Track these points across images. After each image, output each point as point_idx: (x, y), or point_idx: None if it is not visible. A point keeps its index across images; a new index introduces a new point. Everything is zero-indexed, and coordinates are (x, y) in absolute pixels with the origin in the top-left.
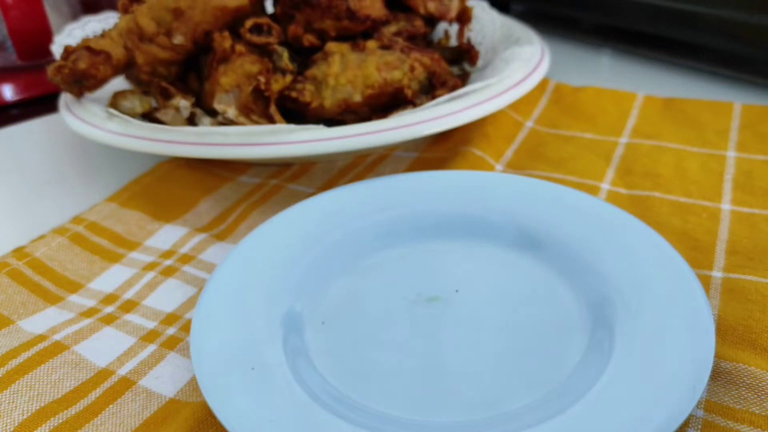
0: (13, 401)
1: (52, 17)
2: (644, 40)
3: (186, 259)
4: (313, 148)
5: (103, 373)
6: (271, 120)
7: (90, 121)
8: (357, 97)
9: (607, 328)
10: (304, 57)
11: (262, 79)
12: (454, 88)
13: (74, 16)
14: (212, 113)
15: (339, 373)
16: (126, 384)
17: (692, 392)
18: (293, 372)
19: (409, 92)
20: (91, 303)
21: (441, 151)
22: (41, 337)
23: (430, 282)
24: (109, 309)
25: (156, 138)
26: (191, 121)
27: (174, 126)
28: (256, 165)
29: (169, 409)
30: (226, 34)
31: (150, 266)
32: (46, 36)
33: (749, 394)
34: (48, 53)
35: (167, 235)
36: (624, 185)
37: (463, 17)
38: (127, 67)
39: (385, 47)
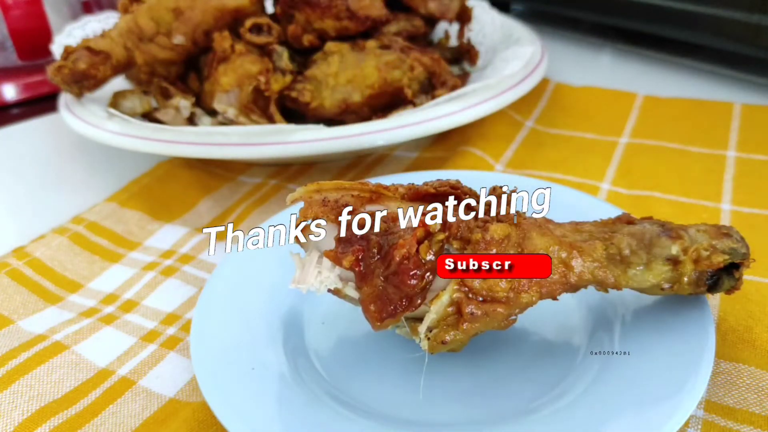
0: (13, 401)
1: (52, 17)
2: (644, 39)
3: (186, 259)
4: (313, 148)
5: (103, 373)
6: (271, 120)
7: (90, 121)
8: (356, 97)
9: (607, 329)
10: (304, 57)
11: (262, 78)
12: (454, 88)
13: (74, 16)
14: (212, 113)
15: (339, 373)
16: (126, 384)
17: (692, 392)
18: (293, 372)
19: (409, 92)
20: (91, 303)
21: (441, 151)
22: (41, 337)
23: None
24: (109, 309)
25: (156, 138)
26: (191, 121)
27: (174, 126)
28: (256, 165)
29: (169, 409)
30: (226, 34)
31: (150, 266)
32: (46, 36)
33: (749, 394)
34: (48, 53)
35: (167, 235)
36: (624, 185)
37: (463, 17)
38: (127, 67)
39: (385, 47)
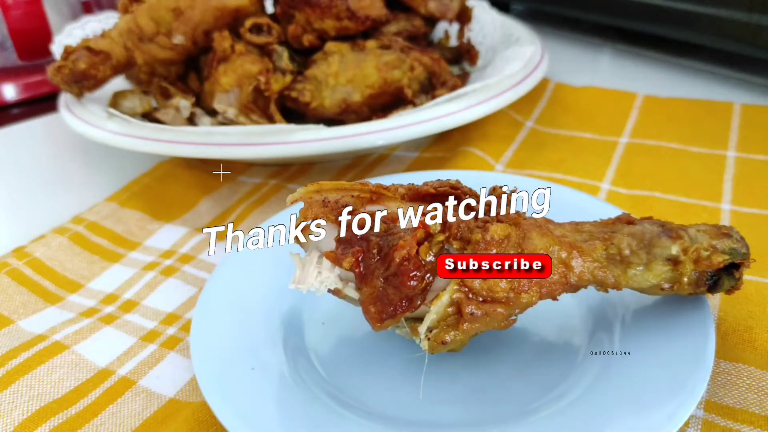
0: (13, 401)
1: (52, 17)
2: (644, 39)
3: (186, 259)
4: (313, 148)
5: (103, 373)
6: (271, 120)
7: (90, 121)
8: (356, 97)
9: (607, 329)
10: (304, 57)
11: (262, 78)
12: (454, 88)
13: (74, 16)
14: (212, 113)
15: (339, 373)
16: (126, 384)
17: (692, 392)
18: (293, 372)
19: (409, 92)
20: (91, 303)
21: (441, 151)
22: (41, 337)
23: None
24: (109, 309)
25: (156, 138)
26: (191, 121)
27: (174, 126)
28: (256, 165)
29: (169, 409)
30: (226, 34)
31: (150, 266)
32: (46, 36)
33: (749, 394)
34: (48, 53)
35: (167, 235)
36: (624, 185)
37: (463, 17)
38: (127, 67)
39: (385, 47)
